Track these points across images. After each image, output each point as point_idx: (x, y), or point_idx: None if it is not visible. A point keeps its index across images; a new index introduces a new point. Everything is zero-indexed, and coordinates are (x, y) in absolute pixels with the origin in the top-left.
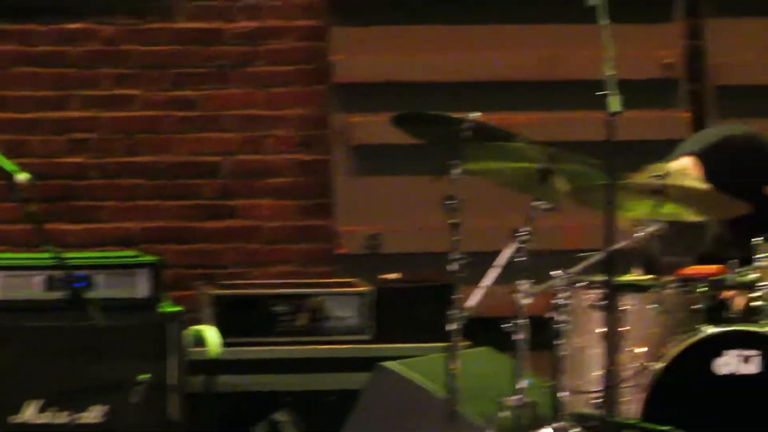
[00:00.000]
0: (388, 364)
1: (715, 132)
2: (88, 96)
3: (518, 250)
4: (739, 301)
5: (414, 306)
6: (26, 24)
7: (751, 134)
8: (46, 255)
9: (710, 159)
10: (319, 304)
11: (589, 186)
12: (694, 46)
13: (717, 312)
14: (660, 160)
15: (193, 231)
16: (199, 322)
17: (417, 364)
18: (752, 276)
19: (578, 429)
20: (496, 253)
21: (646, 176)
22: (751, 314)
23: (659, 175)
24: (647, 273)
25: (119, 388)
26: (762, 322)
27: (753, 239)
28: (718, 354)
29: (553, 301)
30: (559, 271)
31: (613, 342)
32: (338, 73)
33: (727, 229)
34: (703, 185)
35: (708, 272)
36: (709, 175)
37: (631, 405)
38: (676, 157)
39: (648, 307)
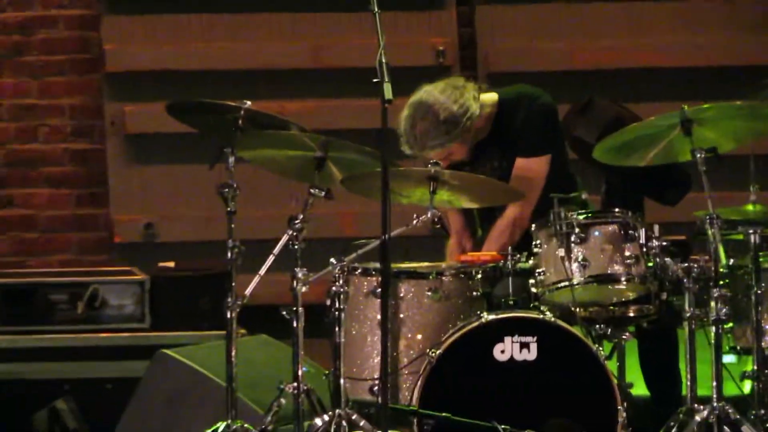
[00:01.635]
0: (168, 351)
1: (522, 86)
2: None
3: (294, 237)
4: None
5: (191, 294)
6: None
7: (550, 101)
8: None
9: (505, 103)
10: (96, 293)
11: (364, 174)
12: (467, 34)
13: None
14: None
15: None
16: None
17: (196, 352)
18: (530, 263)
19: (356, 416)
20: (272, 241)
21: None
22: (528, 300)
23: (435, 162)
24: None
25: None
26: (541, 308)
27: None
28: (497, 340)
29: (331, 289)
30: (336, 259)
31: (389, 329)
32: (110, 62)
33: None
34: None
35: (485, 259)
36: (497, 117)
37: (409, 392)
38: (491, 90)
39: (426, 294)
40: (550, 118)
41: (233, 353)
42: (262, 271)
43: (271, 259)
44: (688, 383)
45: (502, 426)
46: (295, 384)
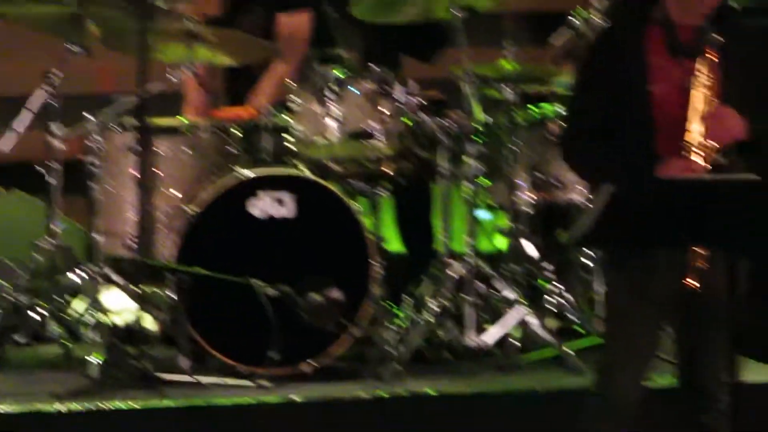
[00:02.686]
0: None
1: None
2: None
3: (50, 93)
4: None
5: None
6: None
7: None
8: None
9: None
10: None
11: (122, 30)
12: None
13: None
14: None
15: None
16: None
17: None
18: (288, 119)
19: (112, 271)
20: (27, 97)
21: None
22: (285, 156)
23: (193, 19)
24: None
25: None
26: (298, 164)
27: None
28: (253, 197)
29: (87, 145)
30: (93, 115)
31: (147, 185)
32: None
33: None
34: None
35: (242, 115)
36: None
37: (166, 248)
38: None
39: (182, 150)
40: None
41: None
42: (18, 126)
43: (26, 114)
44: (443, 239)
45: (259, 282)
46: (51, 240)
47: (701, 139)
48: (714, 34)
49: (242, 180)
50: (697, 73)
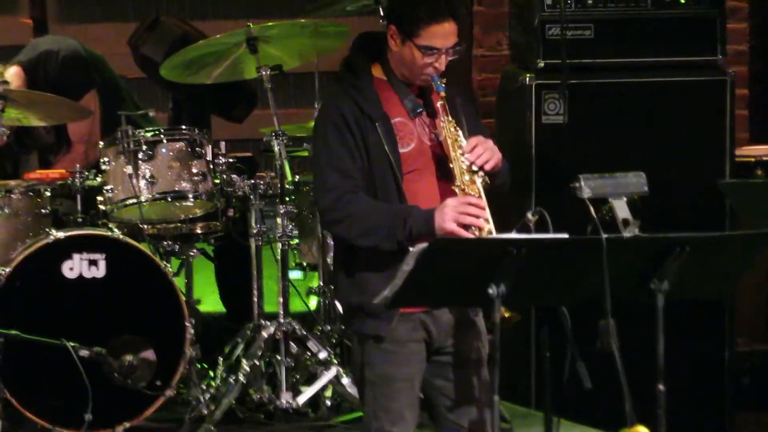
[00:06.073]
0: None
1: (41, 42)
2: None
3: None
4: None
5: None
6: None
7: (72, 48)
8: None
9: (31, 70)
10: None
11: None
12: None
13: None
14: None
15: None
16: None
17: None
18: (98, 180)
19: None
20: None
21: None
22: (97, 218)
23: (3, 81)
24: None
25: None
26: (109, 225)
27: None
28: (65, 258)
29: None
30: None
31: None
32: None
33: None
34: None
35: (54, 177)
36: (30, 84)
37: None
38: (11, 64)
39: None
40: (79, 62)
41: None
42: None
43: None
44: (255, 299)
45: (72, 343)
46: None
47: (468, 174)
48: (439, 83)
49: (54, 240)
50: (442, 124)
